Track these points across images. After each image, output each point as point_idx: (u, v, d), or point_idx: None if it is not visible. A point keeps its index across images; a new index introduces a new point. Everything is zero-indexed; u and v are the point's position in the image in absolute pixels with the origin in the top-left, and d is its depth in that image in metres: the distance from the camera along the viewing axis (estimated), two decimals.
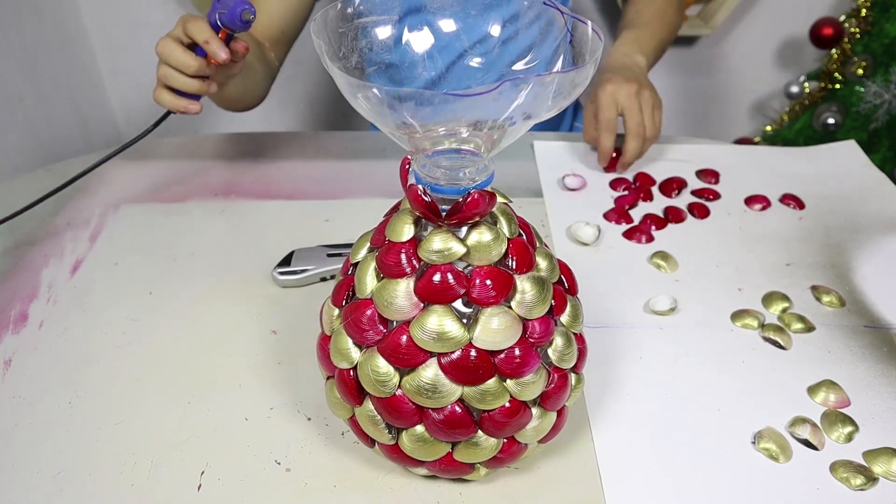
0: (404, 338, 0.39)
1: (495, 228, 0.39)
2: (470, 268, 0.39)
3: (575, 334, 0.43)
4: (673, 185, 0.79)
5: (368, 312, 0.40)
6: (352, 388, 0.41)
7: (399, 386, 0.40)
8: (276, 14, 0.85)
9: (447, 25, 0.44)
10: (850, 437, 0.50)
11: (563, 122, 1.08)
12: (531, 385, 0.40)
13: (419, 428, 0.41)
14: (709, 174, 0.81)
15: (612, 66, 0.84)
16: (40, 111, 1.39)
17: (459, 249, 0.38)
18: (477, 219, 0.38)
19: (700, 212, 0.75)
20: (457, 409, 0.40)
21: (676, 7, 0.94)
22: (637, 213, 0.75)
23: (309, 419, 0.52)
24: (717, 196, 0.78)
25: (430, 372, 0.39)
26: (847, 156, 0.86)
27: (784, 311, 0.62)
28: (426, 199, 0.37)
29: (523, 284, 0.40)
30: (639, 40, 0.88)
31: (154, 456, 0.49)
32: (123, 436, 0.50)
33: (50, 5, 1.45)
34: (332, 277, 0.65)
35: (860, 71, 1.42)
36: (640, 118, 0.78)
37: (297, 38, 0.91)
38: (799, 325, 0.60)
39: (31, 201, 0.68)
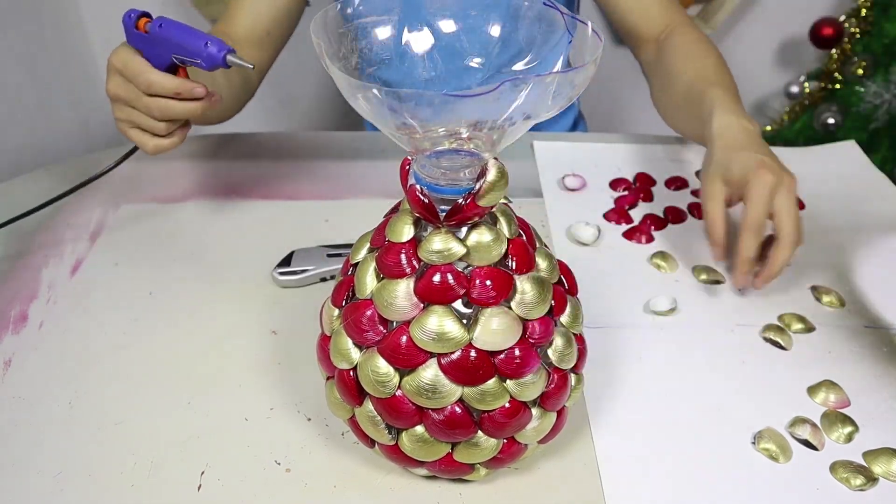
0: (404, 338, 0.39)
1: (495, 229, 0.39)
2: (470, 268, 0.39)
3: (575, 334, 0.43)
4: (673, 186, 0.79)
5: (368, 313, 0.40)
6: (352, 388, 0.41)
7: (399, 386, 0.40)
8: (260, 13, 0.81)
9: (447, 26, 0.44)
10: (850, 438, 0.50)
11: (563, 122, 1.08)
12: (531, 385, 0.40)
13: (419, 428, 0.41)
14: None
15: (743, 144, 0.66)
16: (40, 111, 1.39)
17: (459, 250, 0.38)
18: (476, 219, 0.38)
19: (700, 212, 0.75)
20: (457, 409, 0.40)
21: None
22: (637, 213, 0.75)
23: (309, 419, 0.52)
24: None
25: (429, 372, 0.39)
26: (847, 156, 0.86)
27: (784, 311, 0.62)
28: (424, 199, 0.37)
29: (523, 285, 0.40)
30: (737, 101, 0.72)
31: (154, 456, 0.49)
32: (123, 436, 0.50)
33: (50, 5, 1.45)
34: (332, 277, 0.65)
35: (860, 71, 1.42)
36: (796, 223, 0.61)
37: (287, 39, 0.88)
38: (799, 326, 0.60)
39: (32, 201, 0.68)
